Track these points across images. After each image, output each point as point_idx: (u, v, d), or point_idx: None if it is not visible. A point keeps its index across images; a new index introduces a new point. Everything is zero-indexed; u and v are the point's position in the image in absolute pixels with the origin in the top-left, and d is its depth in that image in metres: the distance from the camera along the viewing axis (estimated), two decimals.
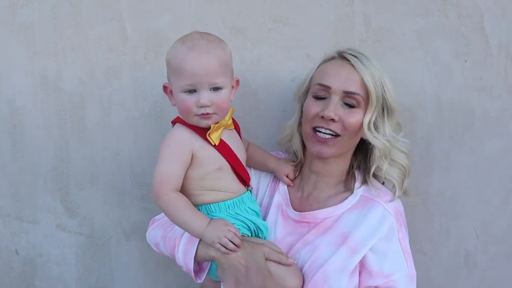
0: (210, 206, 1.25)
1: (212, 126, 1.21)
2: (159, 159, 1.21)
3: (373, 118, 1.26)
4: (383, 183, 1.37)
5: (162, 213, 1.33)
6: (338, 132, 1.25)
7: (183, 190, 1.24)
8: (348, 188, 1.35)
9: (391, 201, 1.30)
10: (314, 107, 1.27)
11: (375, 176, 1.34)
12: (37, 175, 1.80)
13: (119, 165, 1.74)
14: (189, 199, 1.22)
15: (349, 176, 1.37)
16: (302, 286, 1.23)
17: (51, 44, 1.68)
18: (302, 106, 1.36)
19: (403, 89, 1.51)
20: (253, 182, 1.42)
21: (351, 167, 1.38)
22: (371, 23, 1.51)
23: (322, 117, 1.24)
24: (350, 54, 1.28)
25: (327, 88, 1.26)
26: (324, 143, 1.26)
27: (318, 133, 1.27)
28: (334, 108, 1.24)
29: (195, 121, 1.20)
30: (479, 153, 1.54)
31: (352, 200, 1.31)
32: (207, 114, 1.18)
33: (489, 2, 1.45)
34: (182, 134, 1.22)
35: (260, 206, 1.39)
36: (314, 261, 1.24)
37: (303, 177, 1.40)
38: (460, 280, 1.64)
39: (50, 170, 1.79)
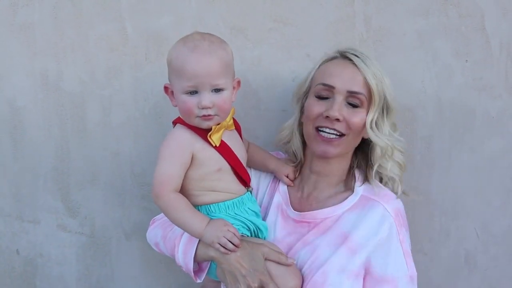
0: (210, 207, 1.25)
1: (213, 127, 1.21)
2: (159, 159, 1.21)
3: (375, 117, 1.27)
4: (380, 180, 1.36)
5: (162, 213, 1.33)
6: (343, 131, 1.25)
7: (183, 190, 1.24)
8: (348, 187, 1.35)
9: (397, 198, 1.30)
10: (317, 107, 1.27)
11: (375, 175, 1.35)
12: (38, 175, 1.81)
13: (120, 165, 1.74)
14: (188, 200, 1.22)
15: (349, 175, 1.37)
16: (302, 286, 1.23)
17: (51, 44, 1.69)
18: (302, 106, 1.36)
19: (403, 89, 1.51)
20: (253, 182, 1.42)
21: (351, 166, 1.38)
22: (371, 23, 1.51)
23: (327, 117, 1.24)
24: (352, 53, 1.28)
25: (330, 88, 1.26)
26: (329, 142, 1.26)
27: (321, 132, 1.27)
28: (339, 108, 1.24)
29: (197, 122, 1.20)
30: (480, 153, 1.54)
31: (352, 200, 1.31)
32: (209, 115, 1.18)
33: (490, 2, 1.45)
34: (183, 135, 1.22)
35: (260, 206, 1.39)
36: (314, 261, 1.24)
37: (303, 177, 1.39)
38: (460, 280, 1.64)
39: (51, 170, 1.79)
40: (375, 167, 1.31)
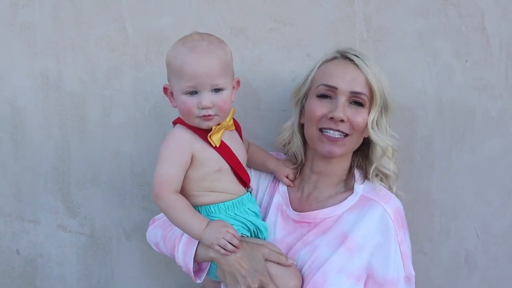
0: (210, 207, 1.25)
1: (213, 127, 1.21)
2: (159, 160, 1.21)
3: (376, 117, 1.27)
4: (377, 176, 1.36)
5: (162, 213, 1.33)
6: (347, 132, 1.25)
7: (183, 191, 1.24)
8: (348, 187, 1.35)
9: (393, 195, 1.31)
10: (320, 108, 1.27)
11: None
12: (38, 175, 1.81)
13: (120, 165, 1.74)
14: (188, 200, 1.22)
15: (350, 175, 1.37)
16: (302, 287, 1.23)
17: (52, 44, 1.69)
18: (301, 107, 1.36)
19: (403, 89, 1.51)
20: (253, 183, 1.42)
21: (351, 166, 1.38)
22: (371, 23, 1.51)
23: (331, 118, 1.24)
24: (352, 54, 1.28)
25: (333, 89, 1.26)
26: (334, 142, 1.26)
27: (326, 133, 1.26)
28: (342, 109, 1.24)
29: (197, 122, 1.20)
30: (480, 153, 1.54)
31: (352, 200, 1.31)
32: (209, 115, 1.18)
33: (490, 2, 1.45)
34: (183, 135, 1.22)
35: (260, 207, 1.39)
36: (314, 261, 1.24)
37: (303, 177, 1.39)
38: (460, 280, 1.64)
39: (51, 170, 1.79)
40: (373, 166, 1.32)
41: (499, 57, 1.48)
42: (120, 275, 1.85)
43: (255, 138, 1.57)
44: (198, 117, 1.19)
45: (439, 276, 1.64)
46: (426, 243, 1.62)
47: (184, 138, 1.22)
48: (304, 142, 1.39)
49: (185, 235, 1.26)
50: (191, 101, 1.17)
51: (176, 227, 1.27)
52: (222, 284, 1.30)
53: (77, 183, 1.78)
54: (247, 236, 1.27)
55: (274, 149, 1.50)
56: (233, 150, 1.26)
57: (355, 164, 1.38)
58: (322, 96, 1.28)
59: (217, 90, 1.18)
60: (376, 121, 1.28)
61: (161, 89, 1.26)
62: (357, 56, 1.27)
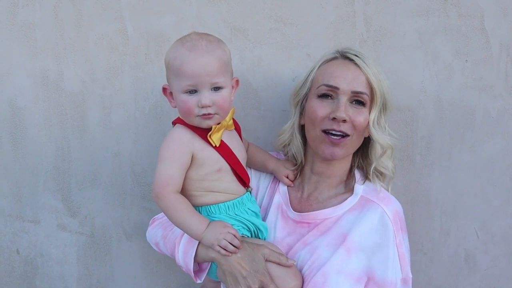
0: (210, 208, 1.25)
1: (213, 127, 1.21)
2: (160, 160, 1.21)
3: (377, 116, 1.27)
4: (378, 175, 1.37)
5: (162, 213, 1.33)
6: (348, 132, 1.25)
7: (183, 191, 1.24)
8: (348, 188, 1.35)
9: (388, 192, 1.32)
10: (322, 109, 1.27)
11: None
12: (38, 175, 1.81)
13: (120, 165, 1.74)
14: (189, 201, 1.22)
15: (350, 176, 1.37)
16: (302, 287, 1.23)
17: (52, 44, 1.69)
18: (302, 108, 1.36)
19: (403, 89, 1.51)
20: (253, 183, 1.42)
21: (351, 167, 1.38)
22: (371, 23, 1.51)
23: (334, 118, 1.24)
24: (352, 53, 1.29)
25: (334, 89, 1.26)
26: (336, 144, 1.26)
27: (330, 135, 1.26)
28: (344, 109, 1.24)
29: (197, 122, 1.20)
30: (480, 153, 1.54)
31: (352, 201, 1.31)
32: (209, 114, 1.18)
33: (490, 2, 1.45)
34: (183, 135, 1.22)
35: (260, 207, 1.39)
36: (314, 262, 1.24)
37: (303, 178, 1.39)
38: (460, 280, 1.64)
39: (51, 170, 1.79)
40: (373, 166, 1.32)
41: (499, 57, 1.48)
42: (120, 275, 1.85)
43: (255, 138, 1.57)
44: (198, 116, 1.19)
45: (439, 276, 1.64)
46: (426, 243, 1.62)
47: (184, 138, 1.22)
48: (304, 143, 1.38)
49: (186, 235, 1.26)
50: (191, 100, 1.18)
51: (176, 227, 1.27)
52: (222, 284, 1.30)
53: (77, 183, 1.79)
54: (248, 237, 1.27)
55: (274, 149, 1.50)
56: (232, 150, 1.27)
57: (355, 165, 1.39)
58: (323, 96, 1.28)
59: (217, 88, 1.18)
60: (377, 120, 1.28)
61: (161, 89, 1.26)
62: (357, 56, 1.28)
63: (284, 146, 1.43)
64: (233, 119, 1.30)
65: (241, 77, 1.30)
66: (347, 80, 1.25)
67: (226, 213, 1.25)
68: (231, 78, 1.24)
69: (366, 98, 1.26)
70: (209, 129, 1.21)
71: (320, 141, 1.28)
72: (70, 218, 1.82)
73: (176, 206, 1.20)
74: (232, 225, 1.22)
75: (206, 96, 1.17)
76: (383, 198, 1.30)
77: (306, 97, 1.35)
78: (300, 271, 1.25)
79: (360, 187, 1.33)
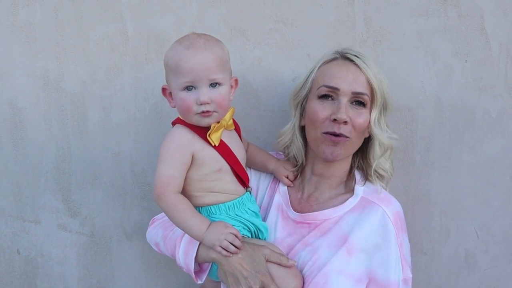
0: (210, 208, 1.25)
1: (212, 126, 1.21)
2: (160, 160, 1.21)
3: (377, 116, 1.27)
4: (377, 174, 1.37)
5: (163, 213, 1.33)
6: (348, 135, 1.25)
7: (183, 191, 1.24)
8: (348, 189, 1.35)
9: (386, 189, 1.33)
10: (322, 111, 1.26)
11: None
12: (39, 175, 1.81)
13: (120, 165, 1.74)
14: (189, 201, 1.22)
15: (350, 177, 1.37)
16: None
17: (52, 44, 1.69)
18: (302, 110, 1.36)
19: (403, 89, 1.52)
20: (253, 183, 1.42)
21: (351, 167, 1.38)
22: (371, 23, 1.51)
23: (335, 120, 1.23)
24: (352, 54, 1.29)
25: (335, 90, 1.26)
26: (336, 145, 1.26)
27: (331, 136, 1.26)
28: (345, 110, 1.24)
29: (196, 120, 1.20)
30: (480, 153, 1.54)
31: (352, 201, 1.31)
32: (207, 111, 1.18)
33: (490, 2, 1.45)
34: (182, 135, 1.22)
35: (260, 207, 1.39)
36: (315, 263, 1.24)
37: (303, 178, 1.39)
38: (460, 280, 1.64)
39: (52, 170, 1.79)
40: (373, 167, 1.32)
41: (499, 57, 1.48)
42: (120, 275, 1.85)
43: (255, 139, 1.57)
44: (197, 113, 1.19)
45: (439, 276, 1.65)
46: (426, 243, 1.63)
47: (184, 138, 1.22)
48: (305, 144, 1.38)
49: (186, 235, 1.26)
50: (189, 97, 1.18)
51: (177, 228, 1.27)
52: (222, 284, 1.30)
53: (77, 183, 1.79)
54: (248, 237, 1.27)
55: (274, 149, 1.50)
56: (232, 150, 1.27)
57: (356, 166, 1.39)
58: (324, 97, 1.28)
59: (215, 85, 1.18)
60: (378, 120, 1.28)
61: (161, 90, 1.27)
62: (357, 57, 1.28)
63: (285, 148, 1.43)
64: (233, 119, 1.30)
65: (241, 77, 1.30)
66: (347, 81, 1.25)
67: (227, 214, 1.25)
68: (229, 77, 1.24)
69: (366, 98, 1.26)
70: (209, 128, 1.21)
71: (320, 141, 1.28)
72: (70, 218, 1.83)
73: (177, 206, 1.20)
74: (233, 225, 1.22)
75: (205, 93, 1.17)
76: (383, 199, 1.30)
77: (306, 98, 1.34)
78: (301, 271, 1.25)
79: (360, 188, 1.33)
